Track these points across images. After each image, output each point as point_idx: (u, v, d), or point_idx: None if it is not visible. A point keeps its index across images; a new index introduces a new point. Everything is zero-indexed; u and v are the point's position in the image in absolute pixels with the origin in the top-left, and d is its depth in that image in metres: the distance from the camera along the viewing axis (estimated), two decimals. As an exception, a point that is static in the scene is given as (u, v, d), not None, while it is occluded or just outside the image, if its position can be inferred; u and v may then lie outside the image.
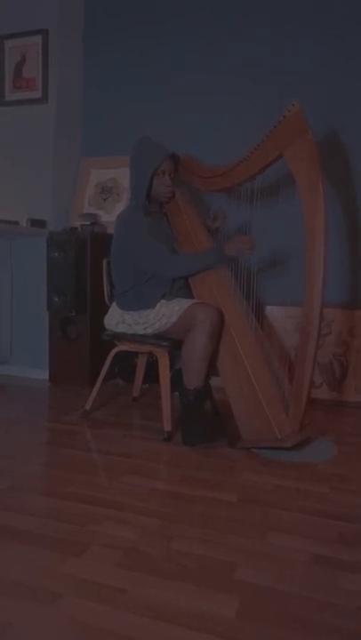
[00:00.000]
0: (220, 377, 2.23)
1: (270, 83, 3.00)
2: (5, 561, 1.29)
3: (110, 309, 2.42)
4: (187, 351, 2.14)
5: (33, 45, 3.20)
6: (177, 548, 1.36)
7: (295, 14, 2.94)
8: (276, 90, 2.95)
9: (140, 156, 2.32)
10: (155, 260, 2.24)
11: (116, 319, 2.35)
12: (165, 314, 2.21)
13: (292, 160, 1.99)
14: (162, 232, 2.36)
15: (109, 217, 3.23)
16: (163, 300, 2.25)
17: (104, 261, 2.51)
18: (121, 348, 2.40)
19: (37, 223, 3.14)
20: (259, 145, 2.09)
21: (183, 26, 3.18)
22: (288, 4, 2.96)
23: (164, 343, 2.25)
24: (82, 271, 3.02)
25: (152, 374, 2.76)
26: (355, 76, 2.87)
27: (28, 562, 1.29)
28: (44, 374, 3.24)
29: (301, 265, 2.02)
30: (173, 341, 2.24)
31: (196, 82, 3.16)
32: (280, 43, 2.99)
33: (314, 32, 2.92)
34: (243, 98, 3.07)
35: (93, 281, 2.99)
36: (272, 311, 2.98)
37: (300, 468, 1.94)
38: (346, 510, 1.61)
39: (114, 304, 2.41)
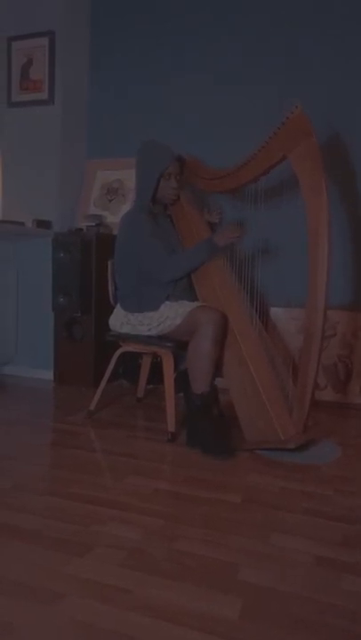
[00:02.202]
0: (224, 378, 2.24)
1: (270, 83, 3.00)
2: (6, 561, 1.30)
3: (115, 310, 2.43)
4: (191, 356, 2.13)
5: (39, 47, 3.22)
6: (179, 549, 1.37)
7: (295, 14, 2.95)
8: (276, 90, 2.96)
9: (146, 158, 2.32)
10: (154, 262, 2.24)
11: (121, 320, 2.35)
12: (169, 316, 2.21)
13: (296, 162, 1.99)
14: (165, 233, 2.37)
15: (115, 218, 3.24)
16: (167, 302, 2.25)
17: (109, 262, 2.52)
18: (125, 349, 2.41)
19: (43, 224, 3.16)
20: (263, 147, 2.09)
21: (183, 26, 3.19)
22: (288, 3, 2.96)
23: (169, 344, 2.26)
24: (87, 272, 3.03)
25: (156, 375, 2.76)
26: (355, 76, 2.87)
27: (30, 562, 1.29)
28: (48, 374, 3.26)
29: (305, 266, 2.02)
30: (178, 342, 2.25)
31: (196, 82, 3.17)
32: (280, 43, 2.99)
33: (314, 32, 2.92)
34: (243, 98, 3.08)
35: (98, 281, 3.00)
36: (276, 313, 2.97)
37: (303, 469, 1.94)
38: (349, 512, 1.61)
39: (118, 305, 2.41)
